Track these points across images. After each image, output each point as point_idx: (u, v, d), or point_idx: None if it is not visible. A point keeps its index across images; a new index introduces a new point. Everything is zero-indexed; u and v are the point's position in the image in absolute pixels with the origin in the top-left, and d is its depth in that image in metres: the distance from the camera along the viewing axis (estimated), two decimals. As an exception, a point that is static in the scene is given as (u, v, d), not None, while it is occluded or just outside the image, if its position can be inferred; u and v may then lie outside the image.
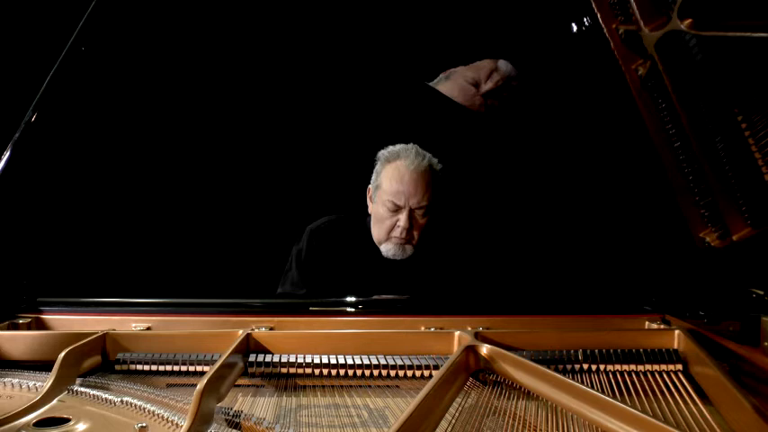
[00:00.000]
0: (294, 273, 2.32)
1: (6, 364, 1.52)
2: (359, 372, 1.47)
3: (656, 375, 1.42)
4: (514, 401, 1.32)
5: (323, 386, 1.47)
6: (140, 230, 2.62)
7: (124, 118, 2.59)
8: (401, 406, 1.35)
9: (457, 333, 1.54)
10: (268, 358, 1.50)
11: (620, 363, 1.45)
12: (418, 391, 1.22)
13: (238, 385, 1.47)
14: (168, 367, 1.51)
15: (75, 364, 1.46)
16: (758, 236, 1.32)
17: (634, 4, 1.24)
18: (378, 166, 2.25)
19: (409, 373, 1.46)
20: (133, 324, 1.70)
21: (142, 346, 1.56)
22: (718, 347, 1.44)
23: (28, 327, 1.71)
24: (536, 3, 2.51)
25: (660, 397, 1.36)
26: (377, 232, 2.24)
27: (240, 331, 1.54)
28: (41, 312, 1.76)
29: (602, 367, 1.45)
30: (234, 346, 1.44)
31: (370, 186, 2.28)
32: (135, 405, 1.31)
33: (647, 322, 1.67)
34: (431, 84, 2.66)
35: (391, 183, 2.17)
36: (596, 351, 1.47)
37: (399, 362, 1.47)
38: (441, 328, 1.62)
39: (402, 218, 2.17)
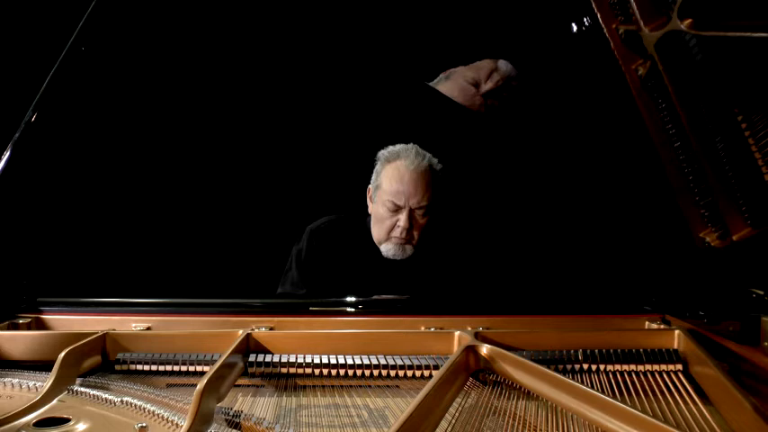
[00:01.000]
0: (294, 273, 2.32)
1: (6, 364, 1.52)
2: (359, 372, 1.47)
3: (656, 375, 1.42)
4: (514, 401, 1.32)
5: (323, 386, 1.47)
6: (140, 230, 2.62)
7: (124, 118, 2.59)
8: (401, 406, 1.35)
9: (457, 333, 1.54)
10: (268, 358, 1.50)
11: (620, 363, 1.44)
12: (418, 391, 1.22)
13: (238, 385, 1.47)
14: (168, 367, 1.50)
15: (75, 364, 1.46)
16: (758, 236, 1.32)
17: (634, 4, 1.24)
18: (378, 166, 2.25)
19: (409, 373, 1.46)
20: (133, 324, 1.70)
21: (142, 346, 1.56)
22: (718, 347, 1.44)
23: (28, 327, 1.71)
24: (536, 3, 2.51)
25: (660, 397, 1.36)
26: (377, 232, 2.24)
27: (240, 331, 1.54)
28: (41, 312, 1.76)
29: (602, 367, 1.45)
30: (234, 346, 1.44)
31: (370, 186, 2.28)
32: (135, 405, 1.31)
33: (647, 322, 1.67)
34: (431, 84, 2.66)
35: (391, 183, 2.17)
36: (596, 351, 1.47)
37: (399, 362, 1.47)
38: (441, 328, 1.62)
39: (402, 218, 2.17)
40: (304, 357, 1.49)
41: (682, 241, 1.45)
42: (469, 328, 1.58)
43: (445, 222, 2.29)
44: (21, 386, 1.40)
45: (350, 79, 2.61)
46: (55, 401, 1.34)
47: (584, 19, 1.38)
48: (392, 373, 1.46)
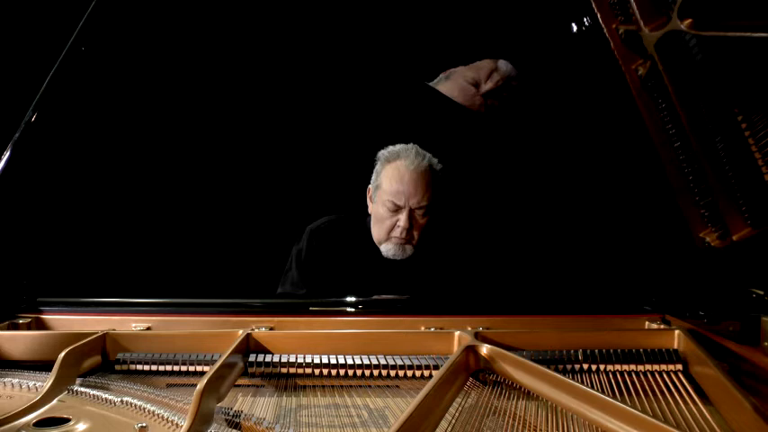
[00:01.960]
0: (294, 273, 2.32)
1: (6, 364, 1.52)
2: (359, 372, 1.47)
3: (656, 375, 1.42)
4: (514, 401, 1.32)
5: (323, 386, 1.47)
6: (140, 230, 2.62)
7: (124, 118, 2.59)
8: (401, 406, 1.35)
9: (457, 333, 1.54)
10: (268, 358, 1.50)
11: (620, 363, 1.44)
12: (418, 391, 1.22)
13: (238, 385, 1.47)
14: (168, 367, 1.50)
15: (75, 364, 1.46)
16: (758, 236, 1.32)
17: (634, 4, 1.24)
18: (378, 166, 2.25)
19: (409, 373, 1.46)
20: (133, 324, 1.70)
21: (142, 346, 1.56)
22: (718, 347, 1.44)
23: (28, 327, 1.71)
24: (536, 3, 2.51)
25: (660, 397, 1.36)
26: (377, 232, 2.24)
27: (240, 331, 1.54)
28: (41, 312, 1.76)
29: (602, 367, 1.45)
30: (234, 346, 1.44)
31: (370, 186, 2.28)
32: (135, 405, 1.31)
33: (647, 322, 1.67)
34: (431, 84, 2.66)
35: (391, 183, 2.17)
36: (596, 351, 1.47)
37: (399, 362, 1.47)
38: (441, 328, 1.62)
39: (402, 218, 2.17)
40: (304, 357, 1.49)
41: (682, 241, 1.45)
42: (469, 328, 1.58)
43: (445, 222, 2.29)
44: (21, 386, 1.40)
45: (350, 79, 2.61)
46: (55, 401, 1.34)
47: (584, 19, 1.38)
48: (392, 373, 1.46)
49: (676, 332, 1.52)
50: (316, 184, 2.61)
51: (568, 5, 1.50)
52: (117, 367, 1.52)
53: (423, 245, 2.22)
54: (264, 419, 1.26)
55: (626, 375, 1.43)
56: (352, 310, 1.81)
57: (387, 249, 2.22)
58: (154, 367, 1.51)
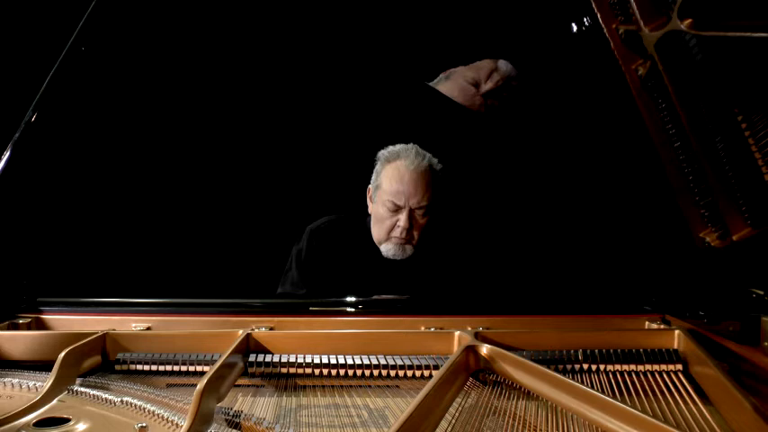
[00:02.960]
0: (294, 273, 2.32)
1: (6, 364, 1.52)
2: (359, 372, 1.47)
3: (656, 375, 1.42)
4: (514, 401, 1.32)
5: (323, 386, 1.47)
6: (140, 230, 2.62)
7: (124, 118, 2.59)
8: (401, 406, 1.35)
9: (457, 333, 1.54)
10: (268, 358, 1.50)
11: (620, 363, 1.44)
12: (418, 391, 1.22)
13: (238, 385, 1.47)
14: (168, 367, 1.50)
15: (75, 364, 1.46)
16: (758, 236, 1.32)
17: (634, 4, 1.24)
18: (378, 166, 2.25)
19: (409, 373, 1.46)
20: (133, 324, 1.70)
21: (142, 346, 1.56)
22: (718, 347, 1.44)
23: (28, 327, 1.71)
24: (536, 3, 2.51)
25: (660, 397, 1.36)
26: (377, 232, 2.24)
27: (240, 331, 1.54)
28: (41, 312, 1.76)
29: (602, 367, 1.45)
30: (234, 346, 1.44)
31: (370, 186, 2.28)
32: (135, 405, 1.31)
33: (647, 322, 1.67)
34: (431, 84, 2.66)
35: (391, 183, 2.17)
36: (596, 351, 1.47)
37: (399, 362, 1.47)
38: (441, 328, 1.62)
39: (402, 218, 2.17)
40: (304, 357, 1.49)
41: (682, 241, 1.45)
42: (469, 328, 1.58)
43: (445, 222, 2.29)
44: (21, 386, 1.40)
45: (350, 79, 2.61)
46: (55, 401, 1.34)
47: (584, 19, 1.38)
48: (392, 373, 1.46)
49: (676, 332, 1.52)
50: (316, 184, 2.61)
51: (568, 5, 1.50)
52: (117, 367, 1.52)
53: (423, 245, 2.22)
54: (264, 419, 1.26)
55: (626, 375, 1.43)
56: (352, 310, 1.81)
57: (387, 249, 2.22)
58: (154, 367, 1.51)
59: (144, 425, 1.20)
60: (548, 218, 2.57)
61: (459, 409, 1.29)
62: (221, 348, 1.46)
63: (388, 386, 1.45)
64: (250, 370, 1.48)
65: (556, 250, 2.54)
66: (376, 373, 1.47)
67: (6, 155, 1.73)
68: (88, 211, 2.54)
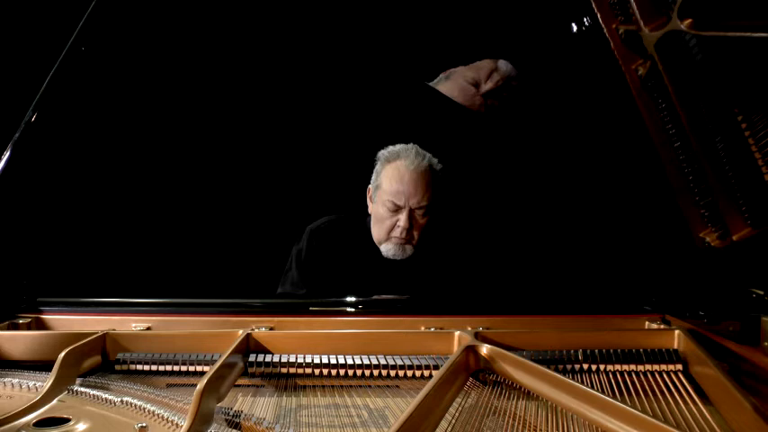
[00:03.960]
0: (294, 273, 2.32)
1: (6, 364, 1.52)
2: (359, 372, 1.47)
3: (656, 375, 1.42)
4: (514, 401, 1.32)
5: (323, 386, 1.47)
6: (140, 230, 2.62)
7: (124, 118, 2.59)
8: (401, 406, 1.35)
9: (457, 333, 1.54)
10: (268, 358, 1.50)
11: (620, 363, 1.45)
12: (418, 391, 1.22)
13: (238, 385, 1.47)
14: (168, 367, 1.50)
15: (75, 364, 1.46)
16: (758, 236, 1.32)
17: (634, 4, 1.24)
18: (378, 166, 2.25)
19: (409, 373, 1.46)
20: (133, 324, 1.70)
21: (142, 346, 1.56)
22: (718, 347, 1.44)
23: (28, 327, 1.71)
24: (536, 3, 2.51)
25: (660, 397, 1.36)
26: (377, 232, 2.24)
27: (240, 331, 1.54)
28: (41, 312, 1.76)
29: (602, 367, 1.45)
30: (234, 346, 1.44)
31: (370, 186, 2.28)
32: (135, 405, 1.31)
33: (647, 322, 1.67)
34: (431, 84, 2.66)
35: (391, 183, 2.17)
36: (596, 351, 1.47)
37: (399, 362, 1.47)
38: (441, 328, 1.62)
39: (402, 218, 2.17)
40: (304, 357, 1.49)
41: (682, 241, 1.45)
42: (469, 328, 1.58)
43: (445, 222, 2.29)
44: (21, 386, 1.40)
45: (350, 79, 2.61)
46: (55, 401, 1.34)
47: (584, 19, 1.38)
48: (392, 373, 1.46)
49: (676, 332, 1.52)
50: (316, 184, 2.61)
51: (568, 5, 1.50)
52: (117, 367, 1.52)
53: (423, 245, 2.22)
54: (264, 419, 1.26)
55: (626, 375, 1.43)
56: (352, 310, 1.81)
57: (387, 249, 2.22)
58: (154, 367, 1.51)
59: (144, 425, 1.20)
60: (547, 218, 2.57)
61: (459, 409, 1.29)
62: (221, 348, 1.46)
63: (388, 386, 1.45)
64: (250, 370, 1.48)
65: (556, 250, 2.54)
66: (376, 373, 1.47)
67: (6, 155, 1.73)
68: (88, 212, 2.54)
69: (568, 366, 1.45)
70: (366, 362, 1.47)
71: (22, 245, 1.97)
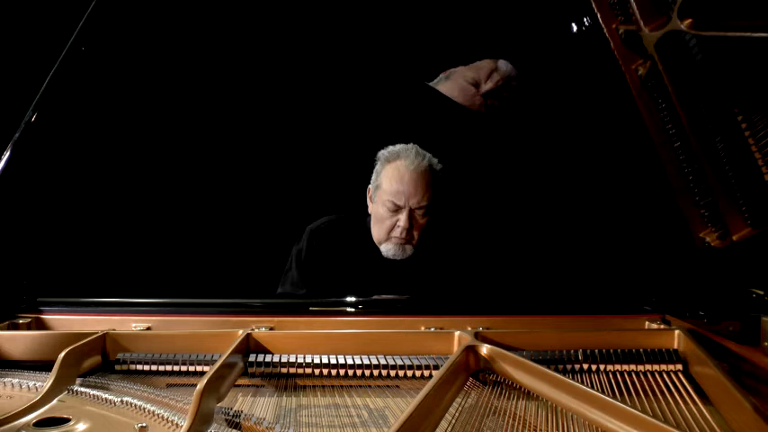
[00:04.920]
0: (294, 273, 2.32)
1: (6, 364, 1.52)
2: (359, 372, 1.47)
3: (656, 375, 1.42)
4: (514, 401, 1.32)
5: (323, 386, 1.47)
6: (140, 230, 2.62)
7: (124, 118, 2.59)
8: (401, 406, 1.35)
9: (457, 333, 1.54)
10: (268, 358, 1.50)
11: (620, 363, 1.45)
12: (418, 391, 1.22)
13: (238, 385, 1.47)
14: (168, 367, 1.50)
15: (75, 364, 1.46)
16: (758, 236, 1.32)
17: (634, 4, 1.24)
18: (378, 166, 2.25)
19: (409, 373, 1.46)
20: (133, 324, 1.70)
21: (142, 346, 1.56)
22: (718, 347, 1.44)
23: (28, 327, 1.71)
24: (536, 3, 2.51)
25: (660, 397, 1.36)
26: (377, 232, 2.24)
27: (240, 331, 1.54)
28: (41, 312, 1.76)
29: (602, 367, 1.45)
30: (234, 346, 1.44)
31: (370, 186, 2.28)
32: (135, 405, 1.31)
33: (647, 322, 1.67)
34: (431, 84, 2.66)
35: (391, 183, 2.17)
36: (596, 351, 1.47)
37: (399, 362, 1.47)
38: (441, 328, 1.62)
39: (402, 218, 2.17)
40: (304, 357, 1.49)
41: (682, 241, 1.45)
42: (469, 328, 1.58)
43: (445, 222, 2.29)
44: (21, 386, 1.40)
45: (350, 79, 2.61)
46: (55, 401, 1.34)
47: (584, 19, 1.38)
48: (392, 373, 1.46)
49: (676, 332, 1.52)
50: (316, 184, 2.61)
51: (568, 5, 1.50)
52: (117, 367, 1.52)
53: (423, 245, 2.22)
54: (264, 419, 1.26)
55: (626, 375, 1.43)
56: (352, 310, 1.81)
57: (387, 249, 2.22)
58: (154, 367, 1.51)
59: (144, 425, 1.20)
60: (547, 218, 2.57)
61: (459, 409, 1.29)
62: (221, 348, 1.46)
63: (388, 386, 1.45)
64: (250, 370, 1.48)
65: (556, 250, 2.54)
66: (376, 373, 1.47)
67: (6, 155, 1.73)
68: (88, 212, 2.54)
69: (568, 366, 1.45)
70: (366, 362, 1.47)
71: (21, 245, 1.97)
